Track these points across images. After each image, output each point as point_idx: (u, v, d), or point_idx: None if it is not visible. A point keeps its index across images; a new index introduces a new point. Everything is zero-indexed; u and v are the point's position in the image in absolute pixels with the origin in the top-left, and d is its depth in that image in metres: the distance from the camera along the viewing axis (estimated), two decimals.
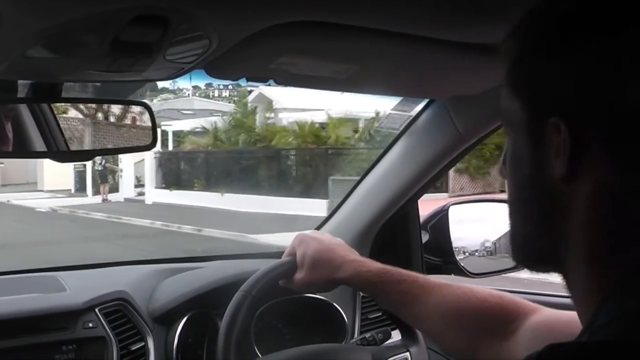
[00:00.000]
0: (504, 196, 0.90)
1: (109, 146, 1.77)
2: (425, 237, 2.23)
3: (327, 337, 1.92)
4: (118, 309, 1.82)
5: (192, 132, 29.14)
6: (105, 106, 1.65)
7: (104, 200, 26.43)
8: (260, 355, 1.83)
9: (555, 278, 0.81)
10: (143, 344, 1.81)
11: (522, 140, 0.80)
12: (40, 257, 12.21)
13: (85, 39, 1.08)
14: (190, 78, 1.37)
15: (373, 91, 2.00)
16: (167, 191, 25.76)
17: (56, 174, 27.81)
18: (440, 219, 2.17)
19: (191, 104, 35.33)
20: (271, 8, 1.08)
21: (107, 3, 0.95)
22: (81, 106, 1.61)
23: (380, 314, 2.07)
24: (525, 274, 2.07)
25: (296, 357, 1.67)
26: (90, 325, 1.75)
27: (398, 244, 2.26)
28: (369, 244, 2.21)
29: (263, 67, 1.38)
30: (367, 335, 1.85)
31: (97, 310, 1.78)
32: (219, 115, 31.09)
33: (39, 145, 1.57)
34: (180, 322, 1.84)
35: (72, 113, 1.64)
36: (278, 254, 1.70)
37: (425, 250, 2.23)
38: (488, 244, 2.14)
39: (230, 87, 34.88)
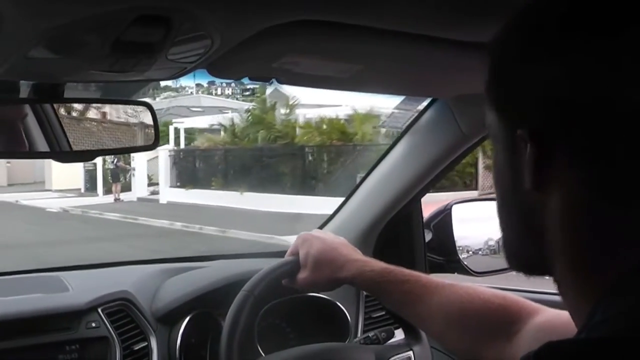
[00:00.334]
0: None
1: (112, 146, 1.77)
2: (428, 236, 2.23)
3: (331, 336, 1.92)
4: (121, 309, 1.82)
5: (209, 130, 28.48)
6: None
7: (116, 199, 25.82)
8: (263, 355, 1.83)
9: None
10: (146, 343, 1.82)
11: (498, 150, 0.81)
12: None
13: (87, 40, 1.08)
14: (194, 76, 1.37)
15: (376, 90, 2.00)
16: (182, 190, 25.02)
17: (65, 173, 27.26)
18: (444, 217, 2.17)
19: (198, 101, 35.04)
20: (273, 8, 1.08)
21: (109, 3, 0.94)
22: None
23: (383, 313, 2.06)
24: None
25: (299, 356, 1.67)
26: (93, 325, 1.75)
27: (401, 242, 2.26)
28: (372, 243, 2.21)
29: (265, 66, 1.38)
30: (371, 334, 1.85)
31: (100, 310, 1.78)
32: (228, 112, 30.72)
33: (42, 145, 1.57)
34: (183, 321, 1.84)
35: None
36: (281, 253, 1.70)
37: (429, 249, 2.23)
38: (491, 243, 2.14)
39: (233, 84, 34.77)
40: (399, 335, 1.84)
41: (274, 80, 1.51)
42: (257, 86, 24.87)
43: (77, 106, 1.64)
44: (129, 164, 26.49)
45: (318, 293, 1.96)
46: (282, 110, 24.84)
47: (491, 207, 2.07)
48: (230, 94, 36.56)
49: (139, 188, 26.60)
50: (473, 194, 15.49)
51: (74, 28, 1.01)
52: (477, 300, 1.35)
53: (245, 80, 1.54)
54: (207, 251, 12.40)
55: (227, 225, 17.45)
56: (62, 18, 0.97)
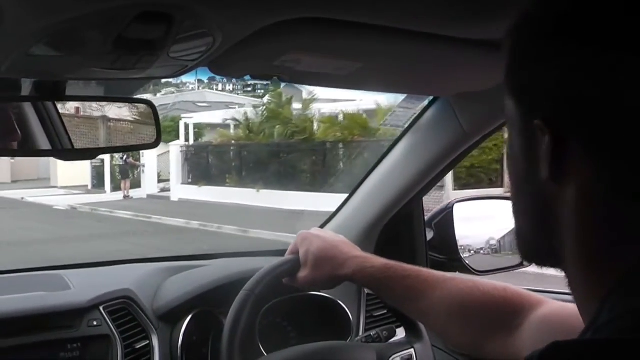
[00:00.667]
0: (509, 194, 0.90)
1: (114, 144, 1.77)
2: (429, 235, 2.23)
3: (332, 335, 1.92)
4: (123, 307, 1.82)
5: (219, 125, 27.78)
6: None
7: (126, 197, 25.35)
8: (265, 354, 1.83)
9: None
10: (148, 342, 1.81)
11: (516, 138, 0.81)
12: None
13: (89, 37, 1.08)
14: (196, 72, 1.37)
15: (377, 88, 2.00)
16: (195, 187, 24.39)
17: (71, 169, 26.75)
18: (445, 216, 2.17)
19: (203, 96, 34.81)
20: (274, 5, 1.08)
21: (110, 0, 0.94)
22: None
23: (385, 311, 2.06)
24: (532, 269, 2.08)
25: (301, 355, 1.67)
26: (95, 323, 1.75)
27: (403, 241, 2.26)
28: (373, 242, 2.21)
29: (267, 64, 1.38)
30: (372, 333, 1.85)
31: (101, 308, 1.78)
32: (235, 107, 30.09)
33: (44, 143, 1.57)
34: (185, 320, 1.84)
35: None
36: (282, 252, 1.70)
37: (430, 247, 2.23)
38: (493, 242, 2.14)
39: (233, 80, 34.69)
40: (401, 334, 1.84)
41: (275, 78, 1.51)
42: (259, 82, 24.44)
43: (78, 104, 1.64)
44: (138, 160, 26.07)
45: (319, 291, 1.95)
46: (295, 105, 24.16)
47: (492, 207, 2.08)
48: (231, 90, 36.46)
49: (149, 185, 26.16)
50: (498, 191, 15.25)
51: (76, 25, 1.01)
52: (478, 294, 1.35)
53: (247, 77, 1.54)
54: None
55: (246, 224, 16.74)
56: (64, 15, 0.97)
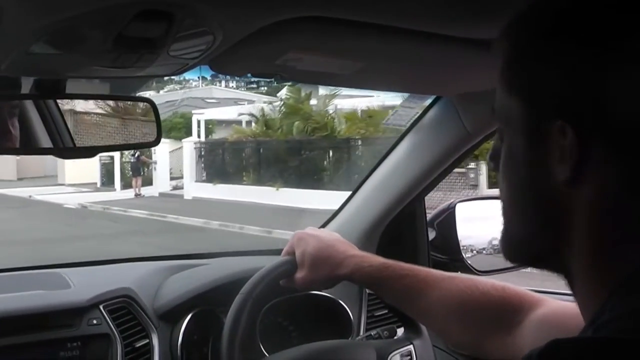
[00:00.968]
0: None
1: (115, 142, 1.77)
2: (431, 235, 2.22)
3: (333, 334, 1.92)
4: (123, 306, 1.81)
5: (232, 121, 27.43)
6: None
7: (137, 195, 24.77)
8: (266, 354, 1.83)
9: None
10: (148, 341, 1.81)
11: (518, 140, 0.79)
12: None
13: (89, 35, 1.07)
14: (200, 70, 1.37)
15: (380, 88, 1.99)
16: (209, 185, 23.69)
17: (78, 167, 26.17)
18: (447, 216, 2.16)
19: (211, 93, 34.71)
20: (275, 4, 1.07)
21: None
22: None
23: (386, 311, 2.06)
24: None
25: (301, 355, 1.67)
26: (95, 322, 1.75)
27: (404, 241, 2.26)
28: (375, 242, 2.21)
29: (268, 63, 1.37)
30: (373, 332, 1.85)
31: (101, 307, 1.77)
32: (244, 104, 29.88)
33: (45, 141, 1.57)
34: (185, 319, 1.83)
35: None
36: (281, 251, 1.69)
37: (432, 247, 2.23)
38: (495, 242, 2.13)
39: (236, 77, 34.58)
40: (401, 333, 1.84)
41: (276, 77, 1.51)
42: (262, 80, 23.97)
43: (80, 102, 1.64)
44: (150, 157, 25.54)
45: (317, 291, 1.95)
46: (311, 101, 23.54)
47: (495, 206, 2.06)
48: (235, 86, 36.43)
49: (161, 183, 25.55)
50: None
51: (76, 23, 1.01)
52: (477, 293, 1.34)
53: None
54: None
55: (269, 224, 15.79)
56: (64, 13, 0.97)
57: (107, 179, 27.41)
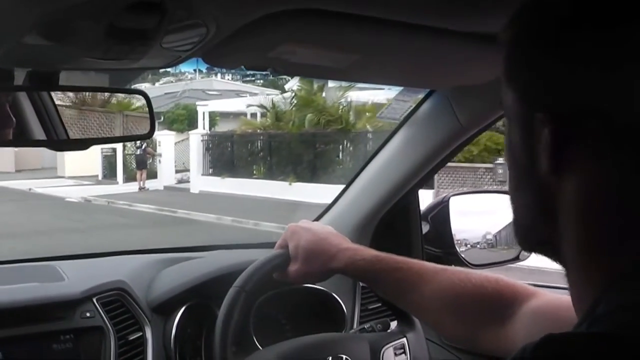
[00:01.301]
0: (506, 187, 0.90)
1: (109, 135, 1.77)
2: (425, 228, 2.22)
3: (326, 327, 1.92)
4: (116, 299, 1.81)
5: (236, 113, 26.73)
6: None
7: (141, 188, 24.03)
8: (260, 347, 1.83)
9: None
10: (141, 334, 1.81)
11: (515, 130, 0.80)
12: None
13: (82, 26, 1.07)
14: (197, 62, 1.37)
15: (374, 81, 1.99)
16: (217, 179, 22.90)
17: (78, 159, 25.39)
18: (441, 210, 2.16)
19: (210, 84, 34.35)
20: None
21: None
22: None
23: (379, 305, 2.06)
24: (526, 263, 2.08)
25: (294, 348, 1.67)
26: (88, 315, 1.74)
27: (398, 235, 2.26)
28: (369, 235, 2.20)
29: (261, 56, 1.37)
30: (367, 325, 1.85)
31: (95, 300, 1.77)
32: (245, 96, 29.51)
33: (39, 133, 1.57)
34: (179, 312, 1.83)
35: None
36: (274, 244, 1.69)
37: (426, 241, 2.23)
38: (489, 237, 2.14)
39: (232, 70, 34.22)
40: (395, 326, 1.84)
41: (270, 70, 1.51)
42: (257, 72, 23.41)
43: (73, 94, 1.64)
44: (154, 149, 24.87)
45: (310, 284, 1.95)
46: (324, 94, 22.76)
47: (488, 201, 2.07)
48: (230, 78, 36.28)
49: (166, 176, 24.86)
50: None
51: (68, 14, 1.00)
52: (470, 286, 1.34)
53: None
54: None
55: (284, 220, 13.50)
56: (57, 4, 0.97)
57: (109, 172, 26.78)
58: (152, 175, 24.96)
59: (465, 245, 2.14)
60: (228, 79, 36.85)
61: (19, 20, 1.02)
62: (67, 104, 1.66)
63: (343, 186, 2.27)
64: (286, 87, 25.96)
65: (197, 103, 28.17)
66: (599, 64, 0.69)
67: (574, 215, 0.73)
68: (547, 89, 0.74)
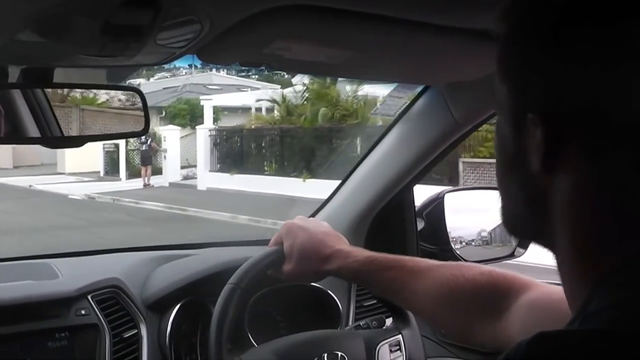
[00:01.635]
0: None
1: (103, 131, 1.76)
2: (420, 225, 2.22)
3: (322, 324, 1.92)
4: (111, 296, 1.81)
5: (240, 108, 26.18)
6: None
7: (146, 185, 23.09)
8: (255, 344, 1.83)
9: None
10: (136, 331, 1.81)
11: (505, 124, 0.80)
12: None
13: (75, 23, 1.07)
14: (193, 57, 1.37)
15: (368, 77, 1.99)
16: (226, 175, 22.06)
17: (79, 155, 23.93)
18: (436, 206, 2.16)
19: (210, 79, 34.02)
20: None
21: None
22: None
23: (374, 301, 2.06)
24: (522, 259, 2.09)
25: (289, 345, 1.67)
26: (83, 312, 1.74)
27: (393, 231, 2.26)
28: (364, 232, 2.20)
29: (256, 52, 1.37)
30: (362, 322, 1.85)
31: (89, 297, 1.77)
32: (246, 90, 29.15)
33: (33, 130, 1.57)
34: (174, 309, 1.83)
35: None
36: (268, 241, 1.68)
37: (421, 237, 2.23)
38: (484, 234, 2.14)
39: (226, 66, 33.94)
40: (390, 323, 1.84)
41: (265, 66, 1.51)
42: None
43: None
44: (158, 144, 24.17)
45: (304, 283, 1.95)
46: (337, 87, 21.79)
47: (484, 197, 2.07)
48: (225, 74, 36.10)
49: (171, 172, 24.19)
50: None
51: (62, 11, 1.00)
52: (463, 280, 1.34)
53: None
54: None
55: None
56: (50, 0, 0.96)
57: (111, 168, 25.96)
58: (156, 171, 24.26)
59: (461, 242, 2.14)
60: (223, 74, 36.68)
61: (13, 17, 1.01)
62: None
63: None
64: (294, 80, 25.23)
65: (200, 97, 27.53)
66: (597, 63, 0.69)
67: (567, 213, 0.73)
68: (542, 88, 0.73)
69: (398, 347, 1.76)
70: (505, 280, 1.31)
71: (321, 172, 18.97)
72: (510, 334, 1.23)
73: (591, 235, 0.72)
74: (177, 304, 1.84)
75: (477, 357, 2.10)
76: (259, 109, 26.04)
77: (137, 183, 23.26)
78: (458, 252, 2.11)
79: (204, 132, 23.70)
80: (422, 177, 2.17)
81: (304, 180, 19.00)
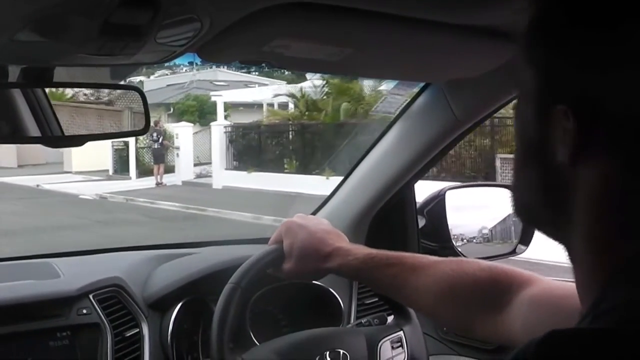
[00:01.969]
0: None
1: (104, 131, 1.76)
2: (421, 222, 2.22)
3: (323, 323, 1.92)
4: (112, 295, 1.81)
5: (251, 104, 25.54)
6: None
7: (158, 184, 22.48)
8: (257, 342, 1.83)
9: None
10: (138, 330, 1.81)
11: (529, 110, 0.78)
12: None
13: (75, 23, 1.07)
14: (194, 55, 1.37)
15: (369, 75, 2.00)
16: (243, 173, 21.38)
17: (86, 153, 23.37)
18: (437, 203, 2.16)
19: (215, 75, 33.73)
20: None
21: None
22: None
23: (376, 299, 2.06)
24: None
25: (291, 344, 1.67)
26: (85, 311, 1.74)
27: (394, 228, 2.26)
28: (365, 229, 2.20)
29: (256, 50, 1.37)
30: (364, 320, 1.85)
31: (91, 296, 1.76)
32: (254, 86, 28.84)
33: (33, 130, 1.57)
34: (175, 308, 1.83)
35: None
36: (268, 240, 1.68)
37: (422, 235, 2.23)
38: (485, 231, 2.14)
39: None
40: (392, 320, 1.84)
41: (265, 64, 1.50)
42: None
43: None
44: (170, 141, 23.67)
45: (304, 282, 1.95)
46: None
47: (484, 194, 2.07)
48: (225, 69, 36.03)
49: (185, 170, 23.53)
50: None
51: (62, 10, 1.00)
52: (464, 276, 1.34)
53: None
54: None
55: None
56: (49, 0, 0.96)
57: (120, 166, 25.40)
58: (167, 169, 23.65)
59: (462, 240, 2.14)
60: (227, 70, 36.60)
61: (12, 17, 1.01)
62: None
63: None
64: (308, 75, 23.85)
65: (211, 94, 27.23)
66: (620, 64, 0.68)
67: (586, 206, 0.73)
68: (572, 82, 0.72)
69: (400, 343, 1.76)
70: (505, 275, 1.31)
71: (345, 169, 18.26)
72: (511, 330, 1.23)
73: (609, 230, 0.72)
74: (178, 303, 1.84)
75: (478, 354, 2.11)
76: (270, 105, 25.55)
77: (148, 182, 22.71)
78: (459, 250, 2.12)
79: (218, 129, 23.10)
80: (423, 174, 2.17)
81: (327, 178, 17.91)
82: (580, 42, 0.71)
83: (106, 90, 1.58)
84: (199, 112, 27.47)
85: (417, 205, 2.26)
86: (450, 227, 2.13)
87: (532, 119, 0.78)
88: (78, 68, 1.52)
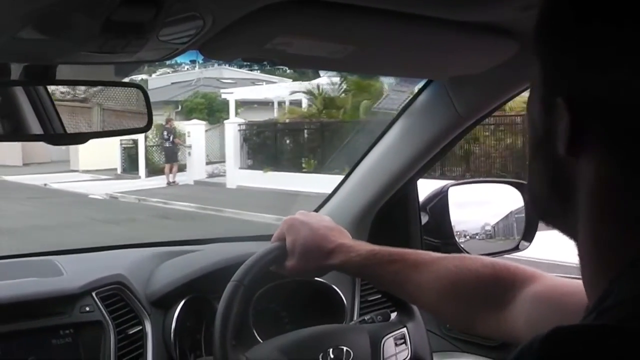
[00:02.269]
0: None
1: (106, 128, 1.76)
2: (424, 219, 2.22)
3: (326, 320, 1.92)
4: (115, 293, 1.81)
5: (260, 102, 25.14)
6: None
7: (170, 183, 22.12)
8: (260, 340, 1.83)
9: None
10: (140, 327, 1.81)
11: (536, 103, 0.79)
12: None
13: (77, 20, 1.06)
14: (197, 54, 1.37)
15: (372, 71, 1.99)
16: (258, 172, 20.77)
17: (94, 151, 22.66)
18: (440, 200, 2.16)
19: (220, 73, 33.38)
20: None
21: None
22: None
23: (379, 296, 2.06)
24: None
25: (294, 341, 1.67)
26: (87, 309, 1.74)
27: (397, 225, 2.25)
28: (367, 226, 2.20)
29: (258, 47, 1.37)
30: (367, 317, 1.85)
31: (94, 294, 1.77)
32: (262, 84, 28.67)
33: (35, 127, 1.57)
34: (178, 305, 1.83)
35: None
36: (271, 237, 1.68)
37: (425, 231, 2.23)
38: (488, 227, 2.14)
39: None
40: (395, 317, 1.84)
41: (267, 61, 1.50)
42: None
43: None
44: (184, 140, 23.20)
45: (308, 279, 1.95)
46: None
47: (487, 191, 2.06)
48: (228, 67, 35.96)
49: (197, 169, 23.09)
50: None
51: (64, 8, 0.99)
52: (466, 272, 1.34)
53: None
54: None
55: None
56: None
57: (129, 165, 25.03)
58: (179, 168, 23.35)
59: (465, 236, 2.14)
60: (233, 68, 36.51)
61: (14, 14, 1.01)
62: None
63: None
64: (321, 72, 22.94)
65: (221, 91, 26.93)
66: (632, 63, 0.68)
67: (588, 201, 0.73)
68: (568, 74, 0.73)
69: (403, 340, 1.76)
70: (508, 271, 1.31)
71: None
72: (514, 326, 1.23)
73: (611, 226, 0.71)
74: (181, 300, 1.84)
75: (482, 351, 2.11)
76: (281, 103, 25.15)
77: (158, 181, 22.29)
78: (462, 246, 2.11)
79: (232, 127, 22.54)
80: (425, 171, 2.17)
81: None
82: (585, 40, 0.71)
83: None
84: (208, 110, 27.17)
85: (420, 202, 2.26)
86: (453, 224, 2.12)
87: (539, 112, 0.78)
88: (81, 66, 1.52)
